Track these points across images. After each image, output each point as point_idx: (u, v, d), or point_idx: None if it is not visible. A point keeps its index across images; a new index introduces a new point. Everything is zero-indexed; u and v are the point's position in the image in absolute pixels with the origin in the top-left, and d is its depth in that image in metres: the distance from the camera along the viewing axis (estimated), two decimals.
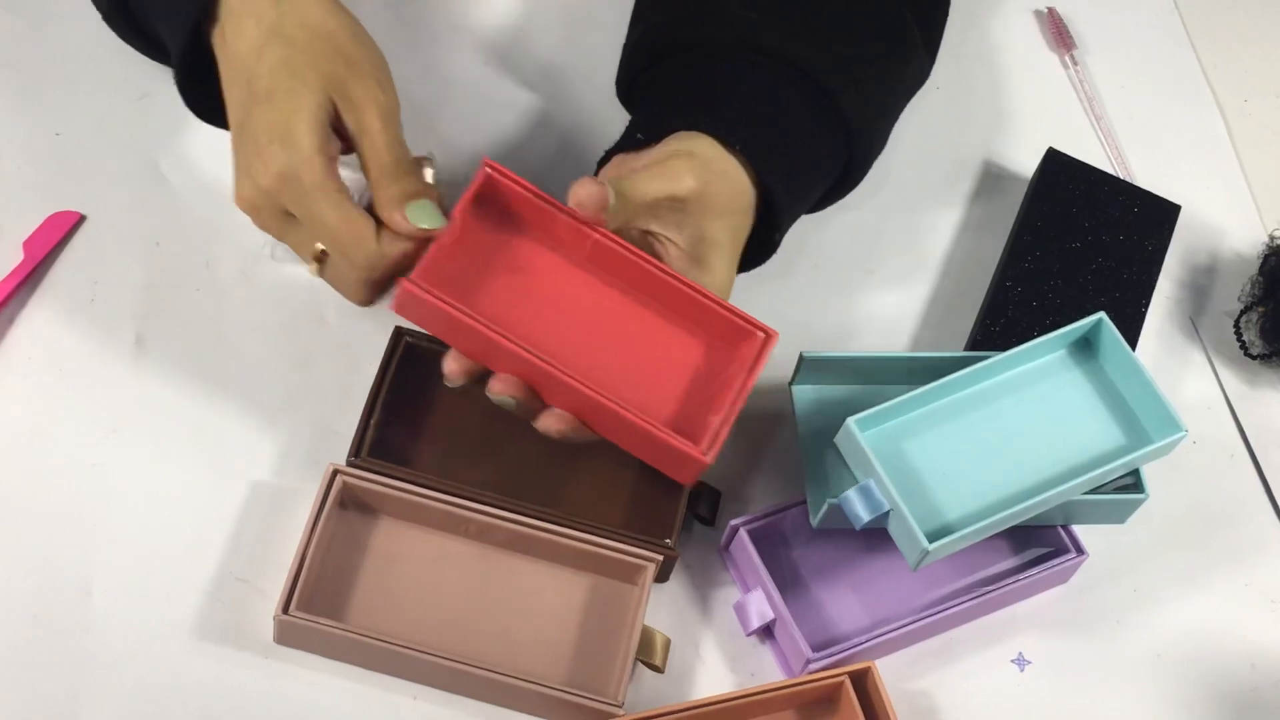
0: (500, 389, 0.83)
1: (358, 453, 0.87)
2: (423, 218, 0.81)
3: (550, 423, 0.83)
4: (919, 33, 0.99)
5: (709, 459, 0.82)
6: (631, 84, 0.98)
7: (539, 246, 0.86)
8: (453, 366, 0.83)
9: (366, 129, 0.82)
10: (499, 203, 0.85)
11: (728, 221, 0.88)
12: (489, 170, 0.84)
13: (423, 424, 0.90)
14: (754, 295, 1.00)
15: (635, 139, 0.90)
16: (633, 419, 0.81)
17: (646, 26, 0.97)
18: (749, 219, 0.89)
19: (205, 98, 0.87)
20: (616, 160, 0.89)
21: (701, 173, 0.85)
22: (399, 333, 0.91)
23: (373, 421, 0.88)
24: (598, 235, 0.84)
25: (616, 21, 1.01)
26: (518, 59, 1.09)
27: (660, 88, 0.94)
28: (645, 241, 0.87)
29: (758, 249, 0.92)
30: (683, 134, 0.88)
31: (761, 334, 0.86)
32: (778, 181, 0.89)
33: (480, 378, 0.83)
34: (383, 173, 0.82)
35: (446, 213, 0.82)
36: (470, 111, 1.06)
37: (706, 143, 0.87)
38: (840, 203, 1.05)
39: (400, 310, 0.82)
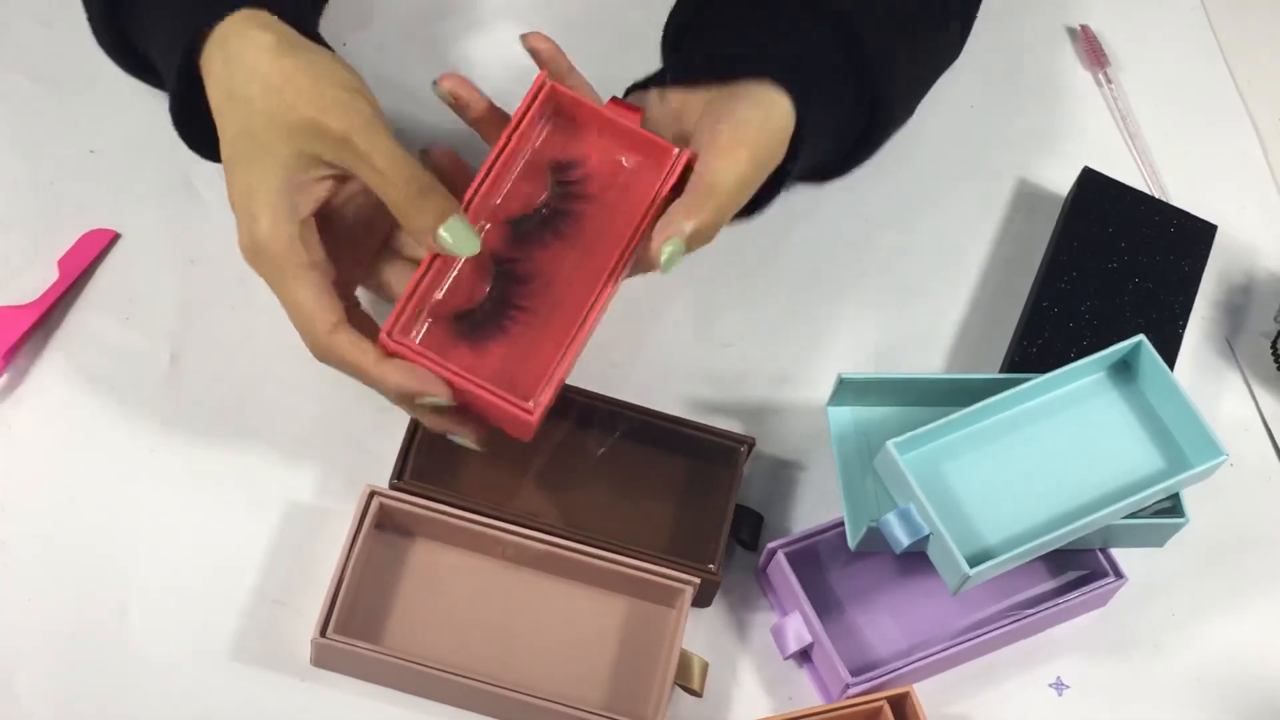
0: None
1: (400, 475, 0.87)
2: (462, 243, 0.79)
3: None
4: (955, 6, 0.99)
5: (535, 418, 0.81)
6: (676, 36, 0.97)
7: None
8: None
9: (361, 156, 0.79)
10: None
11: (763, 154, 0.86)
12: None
13: (464, 448, 0.89)
14: (788, 315, 1.01)
15: (663, 79, 0.89)
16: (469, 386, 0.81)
17: None
18: (781, 151, 0.87)
19: (200, 130, 0.86)
20: (653, 97, 0.88)
21: (753, 143, 0.84)
22: None
23: (414, 445, 0.88)
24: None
25: (650, 45, 1.00)
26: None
27: (703, 35, 0.94)
28: None
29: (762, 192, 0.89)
30: (717, 93, 0.86)
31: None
32: (804, 119, 0.87)
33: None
34: (401, 201, 0.79)
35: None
36: None
37: (749, 95, 0.85)
38: (875, 221, 1.05)
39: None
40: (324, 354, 0.82)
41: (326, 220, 0.83)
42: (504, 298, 0.83)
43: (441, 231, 0.79)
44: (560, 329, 0.82)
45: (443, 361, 0.80)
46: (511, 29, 0.93)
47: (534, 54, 0.86)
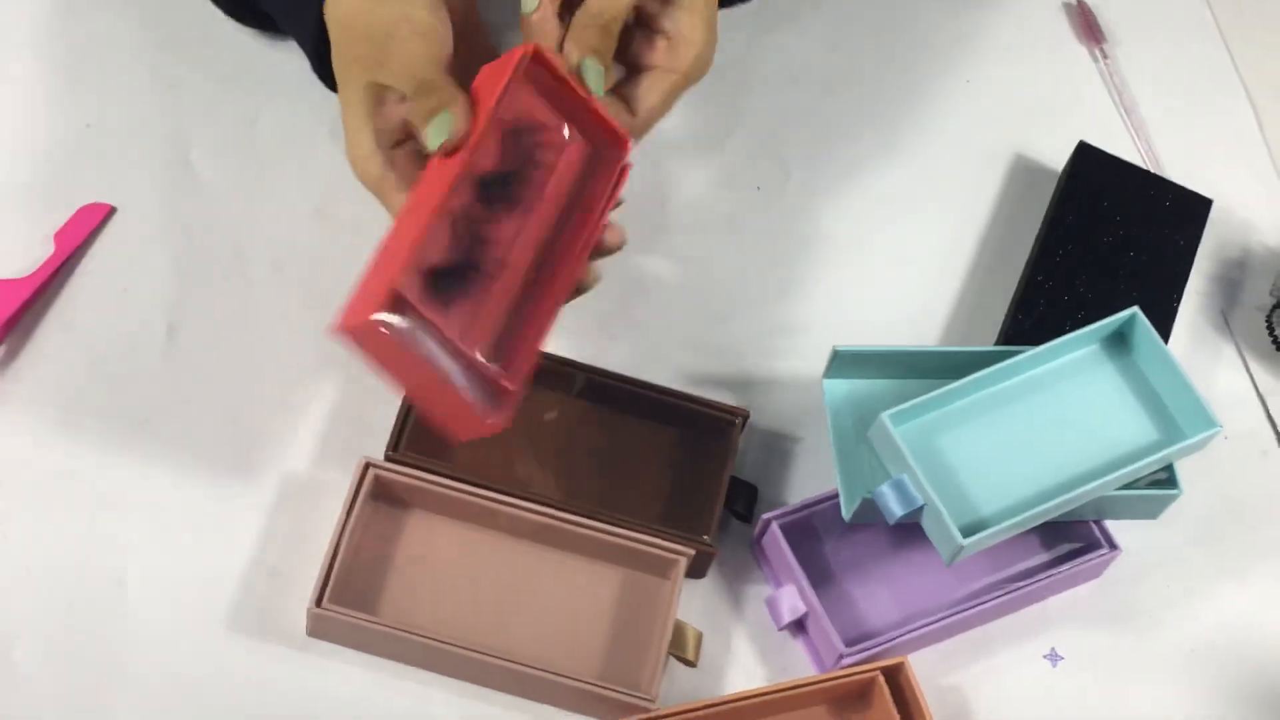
0: None
1: (395, 447, 0.87)
2: (434, 134, 0.77)
3: None
4: None
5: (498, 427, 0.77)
6: None
7: None
8: None
9: (400, 82, 0.80)
10: None
11: None
12: None
13: None
14: (783, 288, 1.01)
15: None
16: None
17: None
18: None
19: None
20: None
21: None
22: None
23: (410, 417, 0.88)
24: None
25: None
26: None
27: None
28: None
29: None
30: None
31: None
32: None
33: None
34: (409, 100, 0.79)
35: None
36: None
37: None
38: (870, 194, 1.06)
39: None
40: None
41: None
42: (469, 257, 0.80)
43: (427, 127, 0.78)
44: (511, 299, 0.80)
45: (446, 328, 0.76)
46: None
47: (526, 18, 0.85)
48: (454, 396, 0.76)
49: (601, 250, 0.83)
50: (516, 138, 0.82)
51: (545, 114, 0.83)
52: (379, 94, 0.81)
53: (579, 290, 0.83)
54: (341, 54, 0.82)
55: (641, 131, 0.86)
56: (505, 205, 0.81)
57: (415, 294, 0.75)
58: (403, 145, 0.81)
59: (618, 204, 0.83)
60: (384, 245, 0.78)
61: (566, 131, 0.83)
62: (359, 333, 0.74)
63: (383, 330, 0.74)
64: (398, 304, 0.74)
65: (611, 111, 0.83)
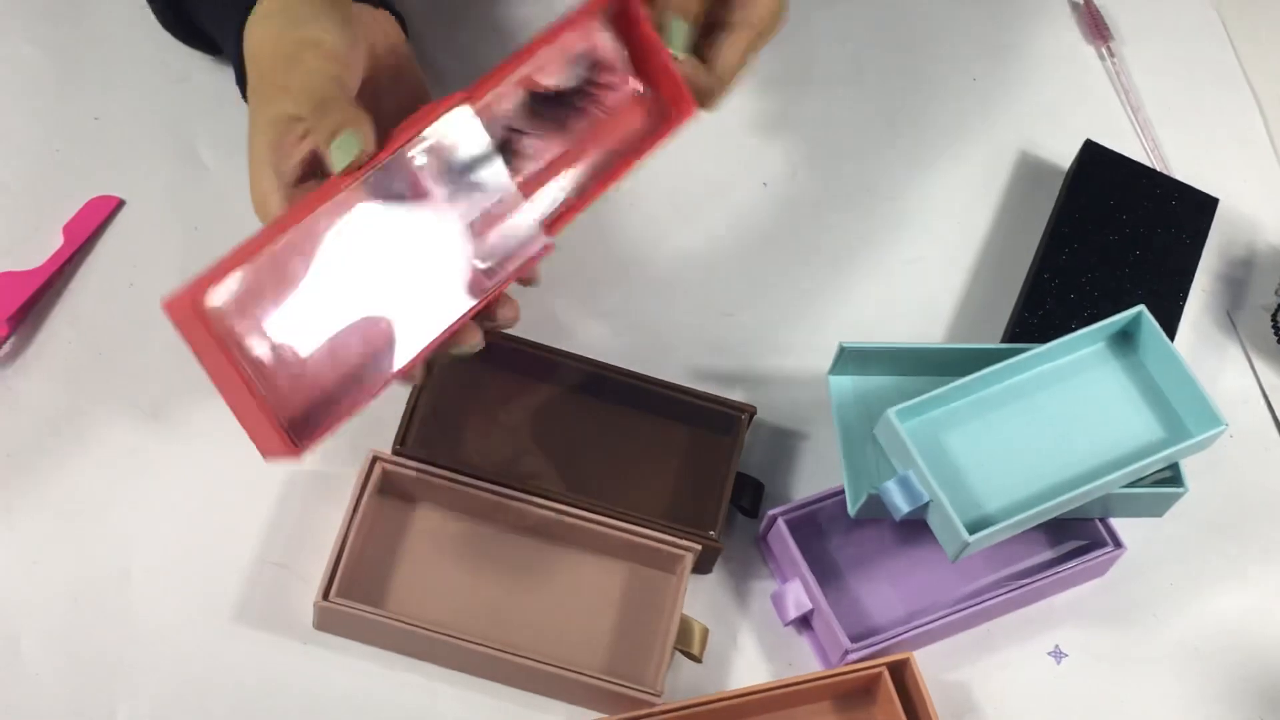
0: None
1: (403, 441, 0.88)
2: (339, 155, 0.74)
3: None
4: None
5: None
6: None
7: None
8: None
9: (301, 104, 0.78)
10: None
11: None
12: None
13: (466, 414, 0.90)
14: (790, 284, 1.01)
15: None
16: None
17: None
18: None
19: None
20: None
21: None
22: None
23: (418, 411, 0.89)
24: None
25: None
26: None
27: None
28: None
29: None
30: None
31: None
32: None
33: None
34: (310, 123, 0.78)
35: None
36: None
37: None
38: (878, 191, 1.06)
39: None
40: None
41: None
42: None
43: (331, 147, 0.75)
44: (380, 337, 0.77)
45: None
46: None
47: None
48: (257, 411, 0.74)
49: (491, 319, 0.81)
50: (582, 67, 0.81)
51: (617, 60, 0.81)
52: (283, 129, 0.79)
53: (454, 351, 0.80)
54: (251, 86, 0.81)
55: (721, 90, 0.84)
56: (551, 125, 0.80)
57: (237, 296, 0.72)
58: (303, 185, 0.79)
59: (531, 283, 0.81)
60: (258, 233, 0.74)
61: (638, 87, 0.82)
62: (177, 314, 0.73)
63: (202, 318, 0.71)
64: (225, 299, 0.72)
65: (692, 73, 0.82)
